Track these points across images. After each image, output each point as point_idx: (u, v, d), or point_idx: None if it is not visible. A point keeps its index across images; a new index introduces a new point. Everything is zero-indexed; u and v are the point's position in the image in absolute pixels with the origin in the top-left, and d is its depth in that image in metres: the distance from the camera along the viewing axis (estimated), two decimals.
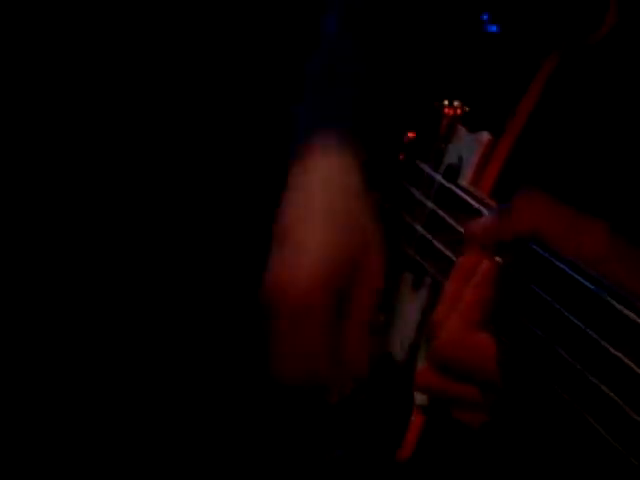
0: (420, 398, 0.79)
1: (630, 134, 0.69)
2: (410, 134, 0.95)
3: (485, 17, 0.86)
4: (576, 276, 0.59)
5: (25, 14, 1.62)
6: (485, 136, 0.81)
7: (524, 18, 0.79)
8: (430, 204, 0.86)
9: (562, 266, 0.61)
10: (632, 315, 0.54)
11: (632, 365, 0.53)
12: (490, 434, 0.73)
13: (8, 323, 1.67)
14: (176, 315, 1.70)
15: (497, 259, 0.67)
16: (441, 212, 0.83)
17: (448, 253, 0.80)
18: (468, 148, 0.83)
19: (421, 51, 0.91)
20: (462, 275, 0.69)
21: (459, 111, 0.89)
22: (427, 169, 0.89)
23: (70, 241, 1.71)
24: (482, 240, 0.68)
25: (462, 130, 0.86)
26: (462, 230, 0.76)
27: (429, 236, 0.84)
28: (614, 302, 0.55)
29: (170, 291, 1.70)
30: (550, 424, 0.64)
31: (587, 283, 0.58)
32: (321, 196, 0.82)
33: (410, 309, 0.87)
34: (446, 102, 0.90)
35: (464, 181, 0.82)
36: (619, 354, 0.54)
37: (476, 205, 0.77)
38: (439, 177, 0.85)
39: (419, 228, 0.87)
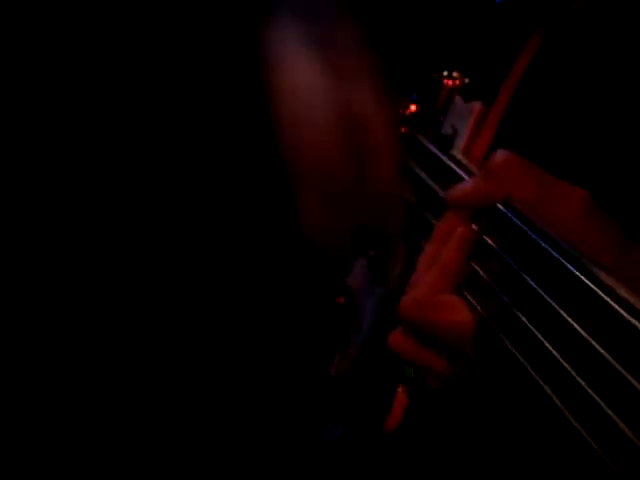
0: (408, 369, 0.79)
1: (614, 102, 0.68)
2: (412, 107, 0.94)
3: None
4: (544, 245, 0.58)
5: (25, 14, 1.64)
6: (477, 105, 0.80)
7: None
8: (424, 175, 0.85)
9: (532, 235, 0.60)
10: (597, 289, 0.53)
11: (590, 339, 0.52)
12: (465, 404, 0.72)
13: (8, 323, 1.70)
14: (176, 315, 1.72)
15: (473, 225, 0.67)
16: (433, 184, 0.82)
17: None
18: (462, 118, 0.82)
19: (420, 21, 0.90)
20: (439, 239, 0.69)
21: (458, 82, 0.88)
22: (423, 140, 0.88)
23: (70, 241, 1.73)
24: (461, 205, 0.67)
25: (459, 100, 0.85)
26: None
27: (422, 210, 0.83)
28: (579, 274, 0.54)
29: (170, 291, 1.71)
30: (512, 395, 0.63)
31: (555, 253, 0.57)
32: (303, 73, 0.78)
33: None
34: (445, 73, 0.89)
35: (457, 151, 0.81)
36: (578, 326, 0.53)
37: (465, 177, 0.76)
38: (433, 147, 0.84)
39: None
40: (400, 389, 0.80)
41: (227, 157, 1.49)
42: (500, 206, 0.64)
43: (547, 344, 0.55)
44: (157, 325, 1.71)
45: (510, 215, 0.62)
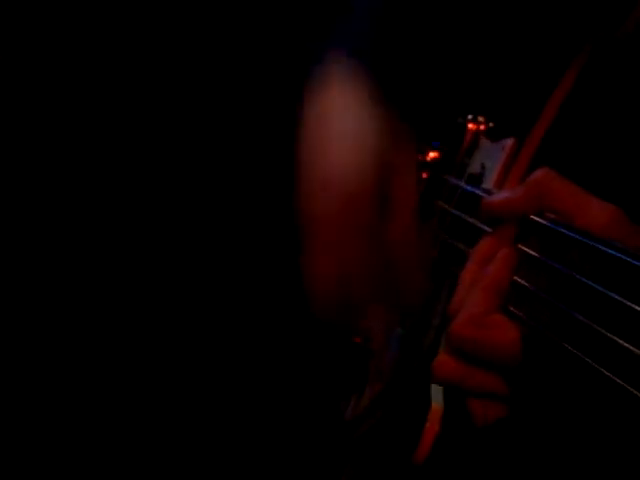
0: (436, 392, 0.78)
1: None
2: (433, 154, 0.96)
3: None
4: (602, 247, 0.59)
5: (25, 14, 1.65)
6: (509, 140, 0.81)
7: (553, 16, 0.80)
8: (454, 211, 0.86)
9: (580, 238, 0.61)
10: None
11: None
12: (504, 434, 0.71)
13: (8, 323, 1.66)
14: (176, 315, 1.68)
15: (518, 245, 0.67)
16: (464, 216, 0.83)
17: None
18: (491, 155, 0.84)
19: (442, 68, 0.92)
20: (479, 259, 0.69)
21: (482, 126, 0.90)
22: (451, 180, 0.89)
23: (70, 241, 1.70)
24: (497, 212, 0.68)
25: (485, 141, 0.87)
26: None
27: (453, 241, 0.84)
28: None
29: (170, 291, 1.69)
30: (567, 414, 0.63)
31: (613, 252, 0.58)
32: (336, 123, 0.81)
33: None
34: (470, 117, 0.91)
35: (488, 186, 0.83)
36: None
37: None
38: (462, 184, 0.86)
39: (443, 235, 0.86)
40: (429, 421, 0.78)
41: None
42: (536, 218, 0.65)
43: (619, 340, 0.54)
44: (157, 325, 1.67)
45: (550, 225, 0.63)
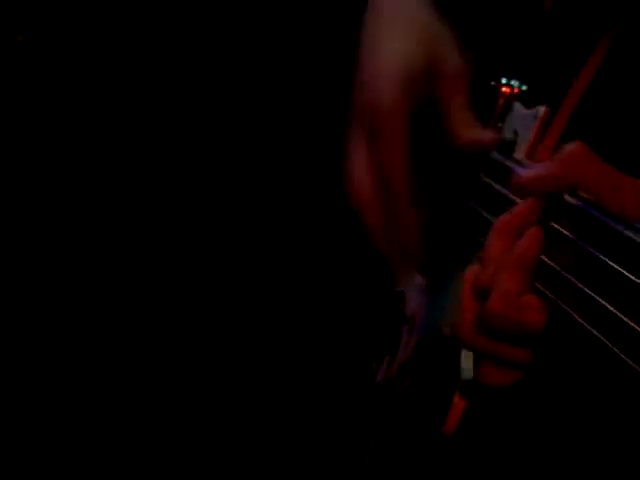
0: (467, 371, 0.78)
1: None
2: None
3: None
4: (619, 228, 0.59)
5: (25, 14, 1.65)
6: (542, 110, 0.80)
7: None
8: (487, 180, 0.85)
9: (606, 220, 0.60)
10: None
11: None
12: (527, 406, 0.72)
13: (8, 323, 1.69)
14: (177, 314, 1.71)
15: (550, 223, 0.67)
16: (497, 186, 0.82)
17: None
18: (524, 123, 0.83)
19: (479, 30, 0.91)
20: (504, 233, 0.69)
21: (516, 90, 0.88)
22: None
23: (70, 241, 1.72)
24: (530, 188, 0.68)
25: (519, 107, 0.85)
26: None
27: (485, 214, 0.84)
28: None
29: (170, 290, 1.71)
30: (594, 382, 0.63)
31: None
32: (402, 7, 0.85)
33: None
34: (503, 81, 0.89)
35: (520, 155, 0.82)
36: None
37: None
38: (494, 152, 0.85)
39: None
40: (458, 392, 0.79)
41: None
42: (568, 197, 0.65)
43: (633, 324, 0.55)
44: (157, 324, 1.70)
45: (581, 205, 0.63)
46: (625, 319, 0.56)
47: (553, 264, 0.66)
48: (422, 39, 0.84)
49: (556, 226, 0.67)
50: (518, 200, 0.74)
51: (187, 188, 1.68)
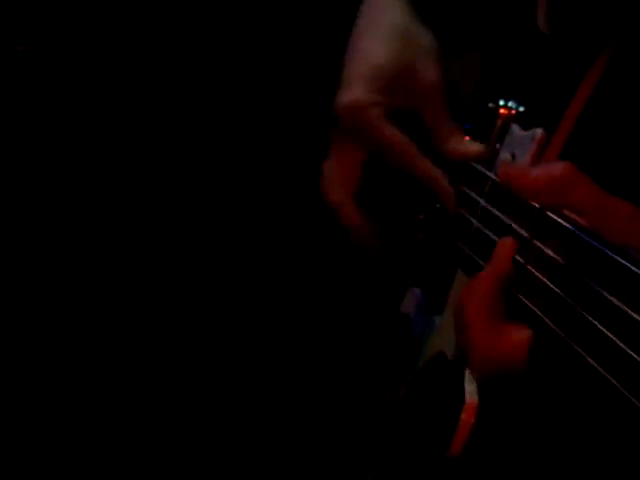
0: (470, 390, 0.79)
1: None
2: (466, 138, 0.95)
3: None
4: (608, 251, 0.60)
5: (24, 24, 1.65)
6: (539, 132, 0.80)
7: (578, 13, 0.79)
8: (483, 202, 0.86)
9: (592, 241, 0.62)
10: None
11: None
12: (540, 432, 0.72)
13: (8, 323, 1.70)
14: (176, 314, 1.71)
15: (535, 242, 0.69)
16: (494, 210, 0.83)
17: None
18: (521, 145, 0.83)
19: (475, 50, 0.92)
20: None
21: (513, 111, 0.89)
22: (480, 168, 0.89)
23: (70, 241, 1.73)
24: (514, 186, 0.69)
25: (516, 128, 0.86)
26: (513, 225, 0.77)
27: (486, 231, 0.84)
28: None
29: (170, 290, 1.71)
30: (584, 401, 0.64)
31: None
32: (389, 14, 0.90)
33: None
34: (501, 102, 0.90)
35: None
36: None
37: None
38: (492, 175, 0.85)
39: (475, 224, 0.87)
40: (465, 413, 0.80)
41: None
42: (550, 214, 0.66)
43: (621, 344, 0.56)
44: (158, 324, 1.70)
45: (570, 228, 0.64)
46: (614, 339, 0.57)
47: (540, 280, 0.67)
48: (398, 45, 0.89)
49: (541, 245, 0.69)
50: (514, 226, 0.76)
51: (187, 188, 1.69)
